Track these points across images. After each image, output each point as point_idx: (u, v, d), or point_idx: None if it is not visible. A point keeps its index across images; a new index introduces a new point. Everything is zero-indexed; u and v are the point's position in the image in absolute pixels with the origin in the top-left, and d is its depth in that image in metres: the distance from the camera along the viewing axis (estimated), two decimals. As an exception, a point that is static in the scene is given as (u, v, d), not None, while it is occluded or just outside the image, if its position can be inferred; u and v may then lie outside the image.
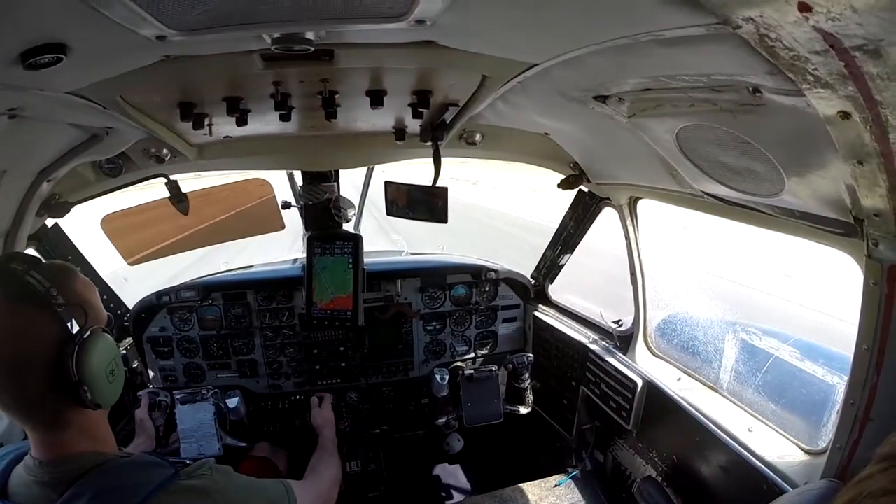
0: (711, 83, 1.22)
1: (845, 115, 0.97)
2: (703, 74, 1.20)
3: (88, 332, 1.13)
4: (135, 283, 3.86)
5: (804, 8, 0.75)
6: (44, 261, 1.20)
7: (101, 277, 2.83)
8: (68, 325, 1.10)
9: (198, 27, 1.08)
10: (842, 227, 1.36)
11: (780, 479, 1.75)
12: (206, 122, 1.78)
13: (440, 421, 3.15)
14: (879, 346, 1.31)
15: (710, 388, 2.30)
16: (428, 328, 3.28)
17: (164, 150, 2.20)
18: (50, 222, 2.42)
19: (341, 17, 1.10)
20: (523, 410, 3.16)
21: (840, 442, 1.48)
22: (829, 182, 1.25)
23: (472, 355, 3.35)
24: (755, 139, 1.31)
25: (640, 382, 2.46)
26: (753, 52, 0.94)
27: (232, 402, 2.77)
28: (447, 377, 3.12)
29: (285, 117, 1.75)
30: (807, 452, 1.81)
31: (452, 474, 3.47)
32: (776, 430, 1.96)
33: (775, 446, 1.89)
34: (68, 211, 2.26)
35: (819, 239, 1.53)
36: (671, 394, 2.31)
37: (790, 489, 1.68)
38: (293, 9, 1.05)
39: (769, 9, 0.80)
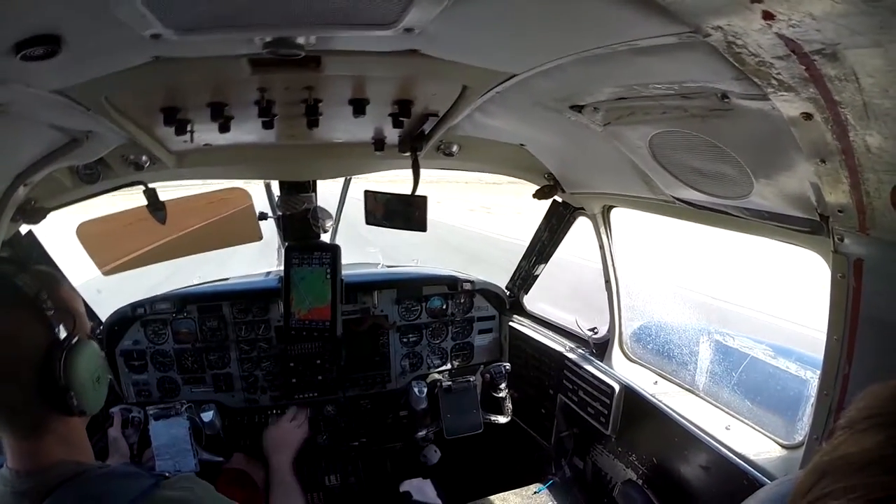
0: (682, 90, 1.30)
1: (808, 116, 1.05)
2: (674, 82, 1.28)
3: (76, 339, 1.12)
4: (110, 295, 3.75)
5: (767, 16, 0.82)
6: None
7: (73, 287, 2.75)
8: (57, 330, 1.09)
9: (194, 27, 1.10)
10: (808, 225, 1.43)
11: (759, 474, 1.80)
12: (188, 128, 1.78)
13: (420, 433, 3.14)
14: (849, 337, 1.37)
15: (686, 389, 2.36)
16: (404, 340, 3.27)
17: (143, 157, 2.17)
18: (24, 229, 2.35)
19: (334, 22, 1.14)
20: (502, 420, 3.18)
21: (816, 433, 1.54)
22: (794, 181, 1.33)
23: (449, 367, 3.35)
24: (724, 143, 1.38)
25: (617, 387, 2.50)
26: (722, 59, 1.01)
27: (207, 417, 2.71)
28: (425, 389, 3.12)
29: (268, 124, 1.76)
30: (784, 447, 1.88)
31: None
32: (753, 428, 2.02)
33: (753, 443, 1.95)
34: (44, 217, 2.20)
35: (787, 238, 1.61)
36: (648, 397, 2.37)
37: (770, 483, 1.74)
38: (289, 13, 1.08)
39: (736, 17, 0.86)
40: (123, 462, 2.30)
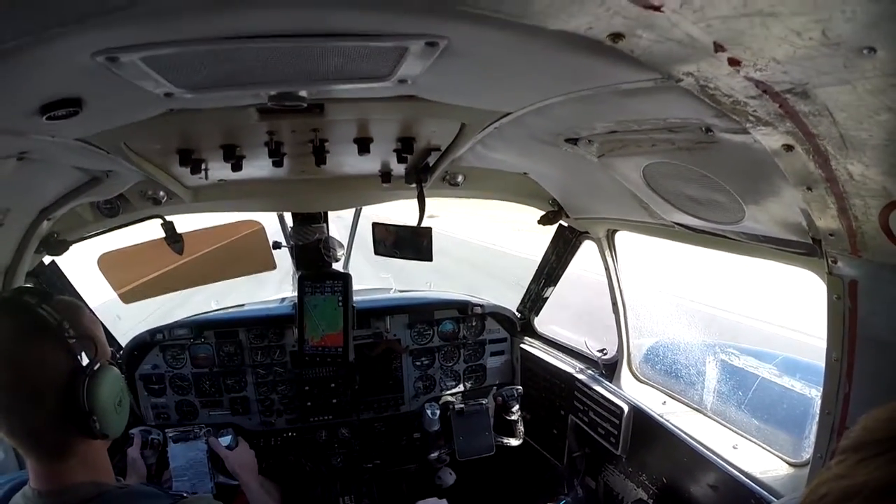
0: (668, 125, 1.35)
1: (789, 148, 1.08)
2: (659, 118, 1.33)
3: (98, 364, 1.17)
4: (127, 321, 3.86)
5: (733, 62, 0.86)
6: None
7: (95, 314, 2.85)
8: (79, 357, 1.14)
9: (202, 86, 1.20)
10: (803, 247, 1.46)
11: (767, 493, 1.81)
12: (203, 167, 1.88)
13: (432, 455, 3.16)
14: (848, 357, 1.39)
15: (694, 409, 2.37)
16: (417, 363, 3.31)
17: (161, 193, 2.28)
18: (47, 259, 2.46)
19: (332, 78, 1.23)
20: (514, 443, 3.18)
21: (820, 451, 1.54)
22: (785, 207, 1.36)
23: (461, 389, 3.38)
24: (712, 173, 1.43)
25: (626, 408, 2.52)
26: (698, 99, 1.06)
27: (225, 441, 2.76)
28: (438, 412, 3.15)
29: (278, 164, 1.85)
30: (791, 465, 1.88)
31: None
32: (761, 446, 2.03)
33: (761, 461, 1.96)
34: (66, 249, 2.32)
35: (784, 260, 1.64)
36: (657, 417, 2.38)
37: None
38: (289, 71, 1.17)
39: (704, 64, 0.91)
40: (142, 482, 2.35)
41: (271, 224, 3.13)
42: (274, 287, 6.74)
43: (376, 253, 2.77)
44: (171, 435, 2.62)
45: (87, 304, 2.72)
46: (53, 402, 1.10)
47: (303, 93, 1.30)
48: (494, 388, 3.30)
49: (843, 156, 1.02)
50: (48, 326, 1.12)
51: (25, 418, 1.11)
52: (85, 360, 1.15)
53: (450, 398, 3.31)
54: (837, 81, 0.84)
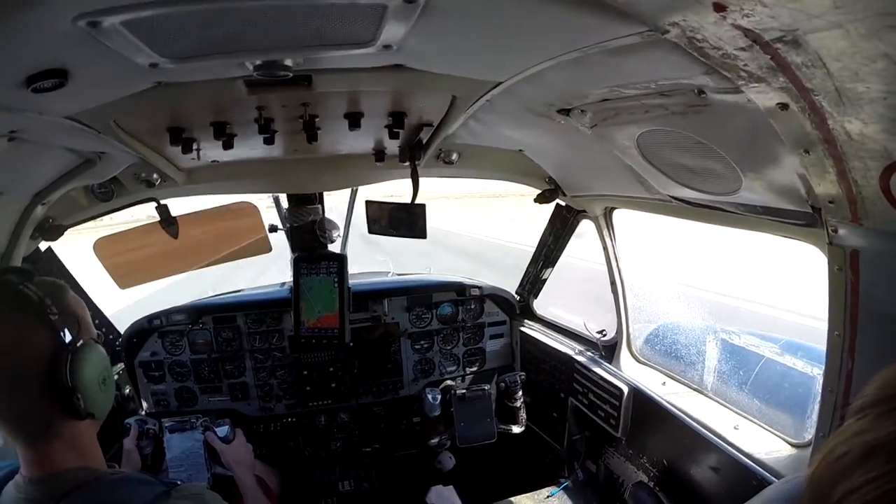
0: (660, 88, 1.31)
1: (784, 106, 1.04)
2: (649, 80, 1.29)
3: (81, 342, 1.14)
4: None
5: (719, 8, 0.82)
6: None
7: (93, 302, 2.86)
8: (62, 334, 1.11)
9: (186, 55, 1.18)
10: (802, 217, 1.41)
11: (769, 474, 1.77)
12: (195, 146, 1.86)
13: (433, 441, 3.14)
14: (850, 332, 1.34)
15: (694, 389, 2.34)
16: (416, 347, 3.31)
17: (154, 175, 2.27)
18: (43, 246, 2.46)
19: (315, 44, 1.21)
20: (516, 430, 3.13)
21: (823, 430, 1.51)
22: (782, 174, 1.31)
23: (461, 373, 3.37)
24: (707, 139, 1.39)
25: (626, 390, 2.49)
26: (688, 55, 1.02)
27: (222, 431, 2.75)
28: (439, 396, 3.12)
29: (269, 141, 1.82)
30: (793, 446, 1.85)
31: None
32: (762, 427, 1.99)
33: (762, 442, 1.92)
34: (62, 234, 2.31)
35: (783, 232, 1.59)
36: (657, 398, 2.35)
37: None
38: (271, 38, 1.15)
39: (689, 12, 0.87)
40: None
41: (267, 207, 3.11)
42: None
43: (370, 231, 2.74)
44: (167, 425, 2.61)
45: (83, 290, 2.74)
46: (36, 380, 1.08)
47: (288, 62, 1.27)
48: (495, 372, 3.27)
49: (840, 113, 0.97)
50: (30, 303, 1.10)
51: (10, 398, 1.09)
52: (68, 337, 1.12)
53: (451, 382, 3.29)
54: (829, 25, 0.80)
